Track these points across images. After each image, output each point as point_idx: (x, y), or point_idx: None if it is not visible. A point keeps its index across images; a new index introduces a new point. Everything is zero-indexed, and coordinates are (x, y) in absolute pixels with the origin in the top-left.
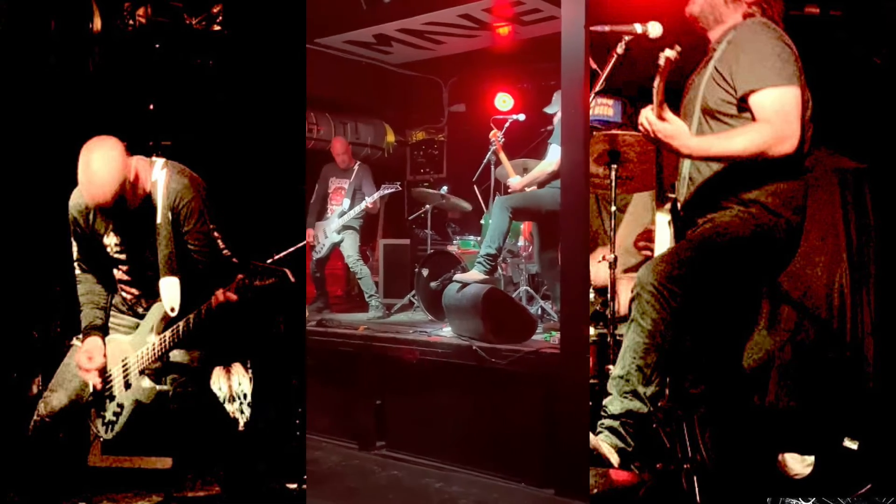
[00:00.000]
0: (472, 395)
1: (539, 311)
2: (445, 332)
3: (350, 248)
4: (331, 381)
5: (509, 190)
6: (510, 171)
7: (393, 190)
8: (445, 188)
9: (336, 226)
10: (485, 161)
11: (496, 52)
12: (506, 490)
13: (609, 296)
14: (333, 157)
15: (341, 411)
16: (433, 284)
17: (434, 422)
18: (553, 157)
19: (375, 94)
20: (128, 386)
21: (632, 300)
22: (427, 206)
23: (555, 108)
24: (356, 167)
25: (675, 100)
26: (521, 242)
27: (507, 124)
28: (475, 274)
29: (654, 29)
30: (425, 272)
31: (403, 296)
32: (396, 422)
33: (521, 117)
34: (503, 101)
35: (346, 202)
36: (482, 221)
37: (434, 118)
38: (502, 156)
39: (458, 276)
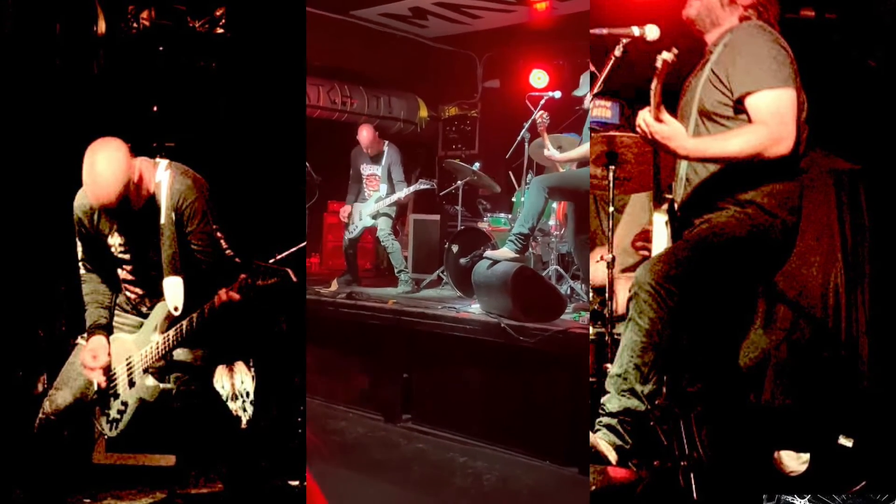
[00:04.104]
0: (499, 372)
1: (568, 291)
2: (474, 309)
3: (383, 224)
4: (358, 353)
5: (546, 154)
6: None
7: (428, 186)
8: (478, 164)
9: (371, 210)
10: (518, 138)
11: (532, 28)
12: (529, 467)
13: (607, 295)
14: (361, 146)
15: (368, 383)
16: (463, 261)
17: (460, 397)
18: None
19: (409, 68)
20: (132, 384)
21: (629, 299)
22: (458, 181)
23: (584, 91)
24: (385, 149)
25: (672, 102)
26: (552, 222)
27: (542, 101)
28: (506, 252)
29: (652, 32)
30: (455, 248)
31: (432, 271)
32: (423, 396)
33: (557, 94)
34: (538, 78)
35: (384, 187)
36: (513, 199)
37: (468, 94)
38: (546, 136)
39: (489, 254)
